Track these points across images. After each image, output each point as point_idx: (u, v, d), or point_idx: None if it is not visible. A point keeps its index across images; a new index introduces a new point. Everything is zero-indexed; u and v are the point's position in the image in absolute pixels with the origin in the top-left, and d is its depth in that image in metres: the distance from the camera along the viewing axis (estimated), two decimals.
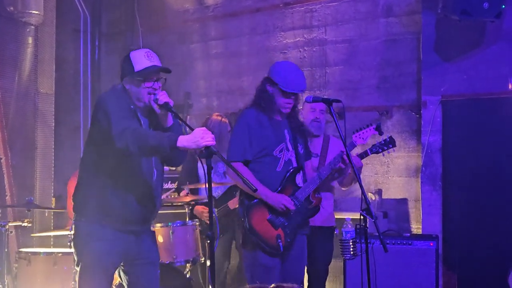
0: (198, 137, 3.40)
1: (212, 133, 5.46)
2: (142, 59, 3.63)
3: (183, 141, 3.40)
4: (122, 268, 3.79)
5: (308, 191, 4.26)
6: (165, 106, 3.56)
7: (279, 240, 4.09)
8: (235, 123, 4.32)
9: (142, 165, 3.66)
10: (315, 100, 4.16)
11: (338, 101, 4.07)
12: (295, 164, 4.25)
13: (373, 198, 6.11)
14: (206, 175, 3.38)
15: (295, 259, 4.28)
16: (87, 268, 3.63)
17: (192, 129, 3.61)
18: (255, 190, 3.80)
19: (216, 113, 5.80)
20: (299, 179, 4.26)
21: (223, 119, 5.66)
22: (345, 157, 4.26)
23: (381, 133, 4.48)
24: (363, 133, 4.46)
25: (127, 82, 3.66)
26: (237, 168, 3.99)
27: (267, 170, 4.18)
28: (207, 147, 3.39)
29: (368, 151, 4.65)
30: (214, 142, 3.43)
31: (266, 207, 4.14)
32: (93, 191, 3.63)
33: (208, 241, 3.46)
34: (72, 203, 3.74)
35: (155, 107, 3.60)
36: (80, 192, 3.70)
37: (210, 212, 3.46)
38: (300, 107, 4.49)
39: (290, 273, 4.24)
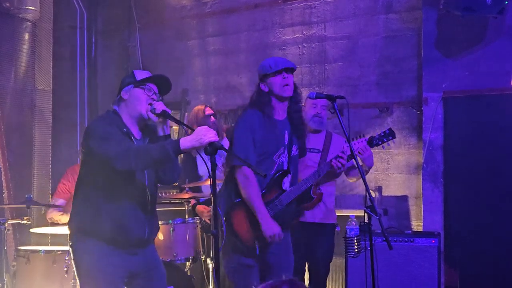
0: (201, 134, 3.36)
1: (193, 124, 5.55)
2: (143, 73, 3.68)
3: (186, 142, 3.37)
4: (131, 285, 3.70)
5: (293, 196, 4.16)
6: (163, 114, 3.56)
7: (256, 242, 4.02)
8: (236, 124, 4.21)
9: (134, 189, 3.59)
10: (318, 96, 4.11)
11: (341, 97, 4.03)
12: (285, 167, 4.17)
13: (373, 195, 6.08)
14: (211, 172, 3.35)
15: (281, 255, 4.19)
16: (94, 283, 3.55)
17: (193, 130, 3.58)
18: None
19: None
20: (286, 182, 4.17)
21: (199, 106, 5.73)
22: (333, 164, 4.25)
23: (372, 146, 4.43)
24: (354, 144, 4.42)
25: (125, 92, 3.62)
26: (247, 174, 3.99)
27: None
28: (211, 143, 3.35)
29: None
30: (217, 138, 3.41)
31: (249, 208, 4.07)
32: (88, 216, 3.56)
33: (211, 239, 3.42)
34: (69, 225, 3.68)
35: (152, 116, 3.58)
36: (77, 217, 3.63)
37: (215, 209, 3.41)
38: (301, 104, 4.42)
39: (276, 269, 4.17)
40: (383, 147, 4.60)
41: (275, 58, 4.23)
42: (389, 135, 4.48)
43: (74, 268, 3.62)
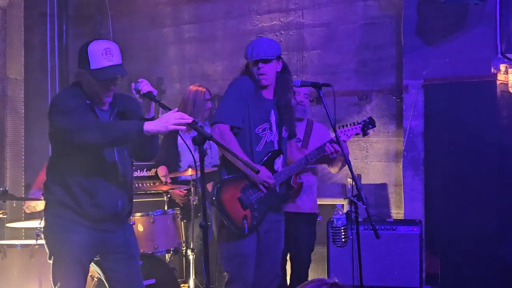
0: (167, 119, 3.27)
1: (188, 103, 5.45)
2: (99, 57, 3.39)
3: (151, 125, 3.28)
4: (100, 263, 3.67)
5: (283, 177, 4.15)
6: (148, 95, 3.42)
7: (245, 221, 3.98)
8: (228, 87, 4.18)
9: (104, 162, 3.52)
10: (304, 84, 4.06)
11: (328, 85, 3.99)
12: (276, 147, 4.14)
13: (352, 183, 6.06)
14: (199, 162, 3.26)
15: (270, 250, 4.18)
16: (60, 260, 3.52)
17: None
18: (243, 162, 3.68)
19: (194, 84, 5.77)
20: (278, 163, 4.14)
21: (199, 88, 5.62)
22: (326, 148, 4.19)
23: (365, 134, 4.38)
24: (348, 130, 4.37)
25: (82, 75, 3.48)
26: (223, 131, 3.95)
27: (248, 146, 4.06)
28: (191, 124, 3.27)
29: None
30: (190, 120, 3.30)
31: (239, 185, 4.03)
32: (61, 191, 3.51)
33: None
34: (43, 196, 3.64)
35: (137, 97, 3.45)
36: (50, 188, 3.58)
37: (203, 203, 3.33)
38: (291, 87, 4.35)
39: (264, 263, 4.15)
40: (363, 135, 4.57)
41: (255, 44, 4.14)
42: (369, 123, 4.45)
43: (43, 239, 3.60)
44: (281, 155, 4.16)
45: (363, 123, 4.33)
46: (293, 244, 4.80)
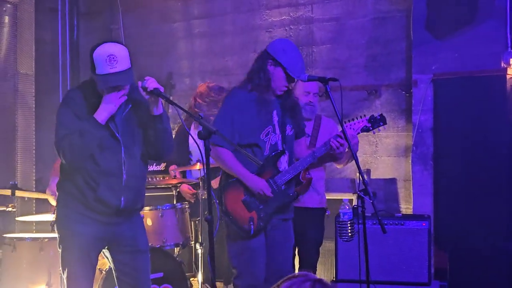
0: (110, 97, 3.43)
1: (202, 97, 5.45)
2: (103, 63, 3.41)
3: (101, 110, 3.45)
4: (109, 254, 3.74)
5: (289, 176, 4.12)
6: (155, 92, 3.44)
7: (251, 223, 3.97)
8: (222, 103, 4.17)
9: (107, 159, 3.56)
10: (310, 79, 4.02)
11: (335, 79, 3.93)
12: (280, 148, 4.11)
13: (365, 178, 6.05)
14: (204, 156, 3.27)
15: (278, 248, 4.16)
16: (68, 248, 3.60)
17: (185, 111, 3.56)
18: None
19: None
20: (282, 163, 4.11)
21: (210, 84, 5.60)
22: (332, 143, 4.16)
23: (373, 127, 4.35)
24: (354, 123, 4.35)
25: (93, 76, 3.51)
26: (216, 151, 3.96)
27: (258, 155, 4.04)
28: (197, 118, 3.35)
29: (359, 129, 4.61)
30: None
31: (242, 187, 4.02)
32: (70, 184, 3.61)
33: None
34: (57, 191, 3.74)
35: (144, 94, 3.48)
36: (61, 183, 3.69)
37: (209, 195, 3.34)
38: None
39: (273, 262, 4.14)
40: (373, 132, 4.57)
41: (296, 59, 4.07)
42: (380, 120, 4.43)
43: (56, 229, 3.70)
44: (285, 155, 4.12)
45: (369, 116, 4.31)
46: (301, 239, 4.80)
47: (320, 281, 1.64)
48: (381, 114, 4.41)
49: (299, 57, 4.10)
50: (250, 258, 4.04)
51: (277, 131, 4.10)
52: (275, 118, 4.10)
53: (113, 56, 3.40)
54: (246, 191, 4.02)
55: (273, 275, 4.12)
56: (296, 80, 4.09)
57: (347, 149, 4.24)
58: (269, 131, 4.06)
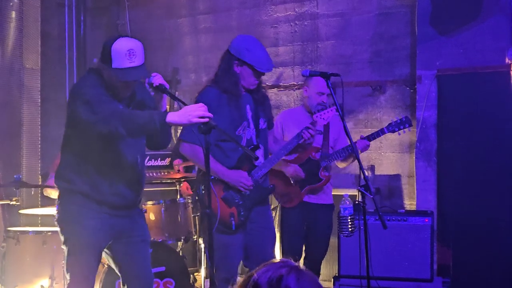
0: (190, 112, 3.27)
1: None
2: (122, 58, 3.39)
3: (173, 116, 3.28)
4: (112, 247, 3.71)
5: (265, 170, 4.14)
6: (160, 88, 3.46)
7: (232, 219, 3.99)
8: (195, 101, 4.11)
9: (125, 150, 3.57)
10: (312, 74, 4.04)
11: (336, 75, 3.96)
12: (255, 142, 4.14)
13: (366, 174, 6.04)
14: (204, 151, 3.28)
15: (259, 238, 4.16)
16: (75, 245, 3.57)
17: None
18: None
19: None
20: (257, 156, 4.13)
21: None
22: (303, 134, 4.21)
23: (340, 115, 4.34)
24: (324, 113, 4.35)
25: (104, 69, 3.48)
26: (193, 149, 3.95)
27: (231, 152, 4.06)
28: (205, 123, 3.27)
29: (385, 130, 4.74)
30: (211, 115, 3.29)
31: (222, 184, 4.02)
32: (77, 178, 3.55)
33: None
34: (57, 185, 3.68)
35: (149, 90, 3.51)
36: (65, 177, 3.61)
37: (208, 189, 3.35)
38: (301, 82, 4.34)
39: (254, 252, 4.14)
40: (398, 133, 4.65)
41: (261, 54, 4.06)
42: (406, 122, 4.59)
43: (58, 225, 3.65)
44: (260, 149, 4.14)
45: (337, 106, 4.19)
46: (310, 234, 4.85)
47: (297, 268, 1.64)
48: (406, 116, 4.60)
49: (263, 51, 4.09)
50: (224, 253, 3.99)
51: (251, 125, 4.12)
52: (249, 113, 4.13)
53: (133, 50, 3.41)
54: (226, 188, 4.03)
55: (255, 264, 4.12)
56: (264, 73, 4.09)
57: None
58: (244, 126, 4.08)
